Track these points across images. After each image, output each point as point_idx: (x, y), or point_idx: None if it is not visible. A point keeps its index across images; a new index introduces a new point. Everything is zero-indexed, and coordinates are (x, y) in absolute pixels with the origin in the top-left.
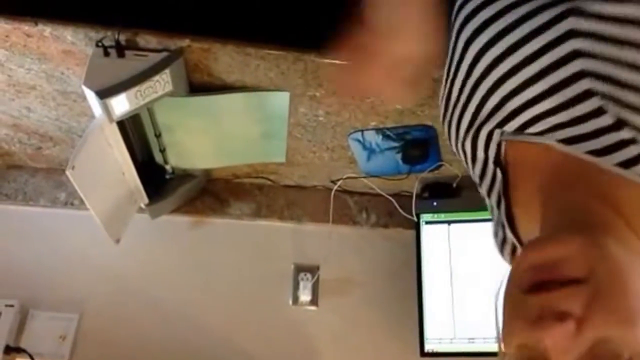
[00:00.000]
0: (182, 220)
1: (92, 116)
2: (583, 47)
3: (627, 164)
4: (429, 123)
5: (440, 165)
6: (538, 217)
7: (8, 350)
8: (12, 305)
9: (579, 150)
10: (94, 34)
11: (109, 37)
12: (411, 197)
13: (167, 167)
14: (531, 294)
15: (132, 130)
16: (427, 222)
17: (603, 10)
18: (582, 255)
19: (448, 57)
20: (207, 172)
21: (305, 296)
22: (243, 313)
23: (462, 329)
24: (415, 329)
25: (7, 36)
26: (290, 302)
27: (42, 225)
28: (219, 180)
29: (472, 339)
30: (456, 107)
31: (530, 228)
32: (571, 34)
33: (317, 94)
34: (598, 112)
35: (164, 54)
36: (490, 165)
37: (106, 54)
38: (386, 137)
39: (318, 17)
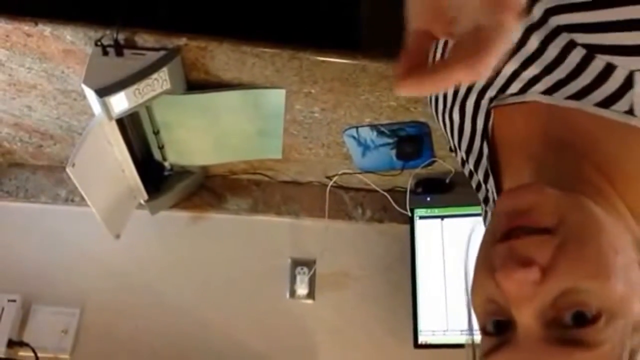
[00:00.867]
0: (181, 215)
1: (92, 114)
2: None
3: (606, 103)
4: (423, 120)
5: (434, 161)
6: None
7: (11, 344)
8: (14, 300)
9: (559, 98)
10: (93, 34)
11: (108, 36)
12: (405, 192)
13: (166, 164)
14: (500, 242)
15: (131, 127)
16: (421, 217)
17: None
18: (555, 204)
19: None
20: (204, 169)
21: (302, 290)
22: (241, 306)
23: (455, 321)
24: (409, 321)
25: (7, 36)
26: (287, 295)
27: (44, 222)
28: (217, 177)
29: (465, 331)
30: None
31: None
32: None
33: (313, 91)
34: (568, 48)
35: (162, 52)
36: (478, 140)
37: (105, 53)
38: (380, 133)
39: (313, 15)
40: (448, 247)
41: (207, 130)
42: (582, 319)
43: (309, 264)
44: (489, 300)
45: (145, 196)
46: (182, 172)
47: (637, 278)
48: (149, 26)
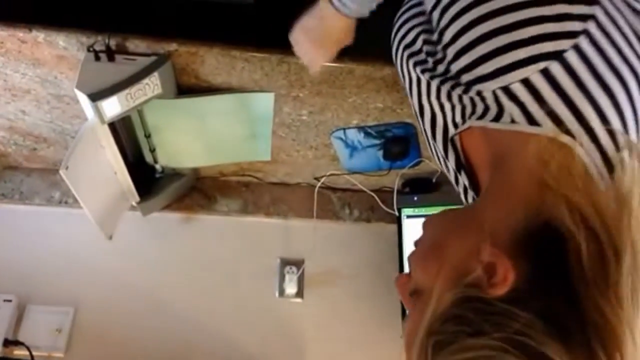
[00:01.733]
0: (172, 216)
1: (85, 118)
2: None
3: (496, 118)
4: (409, 121)
5: (420, 162)
6: None
7: (7, 343)
8: (9, 300)
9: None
10: (86, 39)
11: (100, 42)
12: (392, 192)
13: (157, 166)
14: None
15: (123, 131)
16: (408, 216)
17: None
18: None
19: None
20: (195, 171)
21: (290, 289)
22: (231, 305)
23: None
24: (398, 320)
25: (2, 42)
26: (277, 294)
27: (38, 223)
28: (207, 179)
29: None
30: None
31: None
32: None
33: (301, 94)
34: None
35: (153, 57)
36: (452, 172)
37: (97, 58)
38: (367, 134)
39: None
40: None
41: (198, 133)
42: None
43: (298, 263)
44: None
45: (137, 198)
46: (173, 174)
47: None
48: (140, 32)
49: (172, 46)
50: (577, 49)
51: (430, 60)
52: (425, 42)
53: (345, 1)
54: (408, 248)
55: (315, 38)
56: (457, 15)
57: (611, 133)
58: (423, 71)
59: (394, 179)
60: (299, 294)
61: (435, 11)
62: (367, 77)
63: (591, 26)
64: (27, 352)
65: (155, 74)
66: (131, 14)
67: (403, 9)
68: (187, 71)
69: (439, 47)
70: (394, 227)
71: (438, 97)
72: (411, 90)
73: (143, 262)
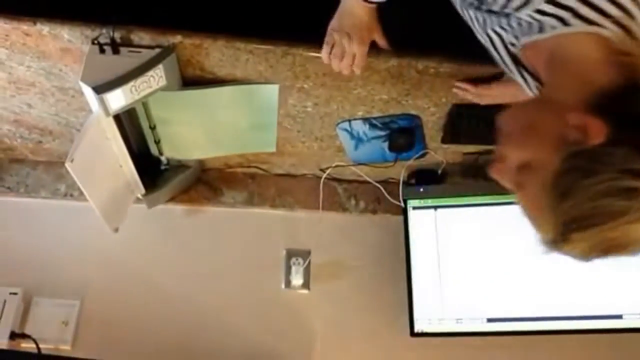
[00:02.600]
0: (178, 209)
1: (90, 111)
2: None
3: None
4: (414, 112)
5: (426, 153)
6: None
7: (13, 336)
8: (16, 293)
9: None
10: (90, 32)
11: (104, 34)
12: (398, 183)
13: (162, 158)
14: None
15: (128, 123)
16: (415, 208)
17: None
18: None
19: None
20: (200, 163)
21: (297, 280)
22: (237, 296)
23: (450, 310)
24: (404, 310)
25: (7, 35)
26: (283, 285)
27: (43, 216)
28: (212, 170)
29: (460, 319)
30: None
31: None
32: None
33: (306, 86)
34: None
35: (157, 50)
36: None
37: (102, 51)
38: (373, 126)
39: (306, 12)
40: (442, 236)
41: (203, 125)
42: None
43: (304, 254)
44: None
45: (143, 190)
46: (179, 166)
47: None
48: (144, 24)
49: (177, 38)
50: None
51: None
52: None
53: None
54: (414, 239)
55: (347, 31)
56: None
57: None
58: (477, 9)
59: (399, 171)
60: (305, 285)
61: None
62: (372, 68)
63: None
64: (33, 345)
65: (160, 66)
66: (135, 7)
67: None
68: (191, 63)
69: None
70: (399, 219)
71: (493, 28)
72: (475, 28)
73: (149, 255)
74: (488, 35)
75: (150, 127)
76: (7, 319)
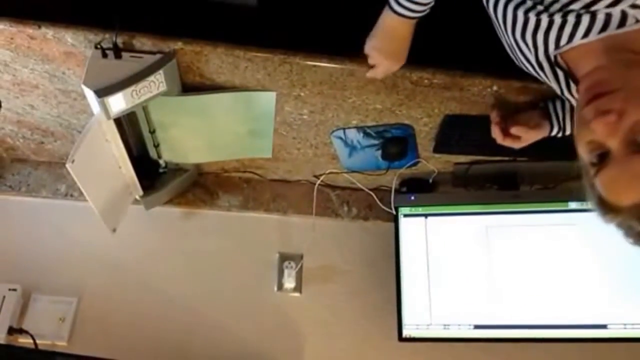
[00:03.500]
0: (174, 211)
1: (91, 113)
2: None
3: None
4: (407, 122)
5: (418, 162)
6: None
7: (11, 331)
8: (15, 290)
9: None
10: (93, 37)
11: (107, 39)
12: (390, 191)
13: (161, 162)
14: (586, 106)
15: (128, 126)
16: (405, 215)
17: None
18: (615, 74)
19: None
20: (198, 167)
21: (289, 283)
22: (231, 298)
23: (437, 316)
24: (393, 315)
25: (11, 38)
26: (275, 288)
27: (44, 215)
28: (209, 174)
29: (447, 325)
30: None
31: None
32: None
33: (302, 94)
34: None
35: (159, 55)
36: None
37: (104, 55)
38: (367, 135)
39: (305, 21)
40: (431, 244)
41: (201, 130)
42: None
43: (297, 258)
44: (589, 143)
45: (141, 192)
46: (176, 170)
47: None
48: (146, 30)
49: (178, 45)
50: None
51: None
52: None
53: (406, 4)
54: (405, 246)
55: (390, 52)
56: None
57: None
58: (527, 11)
59: (391, 179)
60: (297, 288)
61: None
62: (367, 79)
63: None
64: (31, 340)
65: (161, 71)
66: (138, 13)
67: None
68: (191, 69)
69: None
70: (390, 226)
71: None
72: (507, 31)
73: (145, 255)
74: (532, 39)
75: (149, 131)
76: (5, 315)
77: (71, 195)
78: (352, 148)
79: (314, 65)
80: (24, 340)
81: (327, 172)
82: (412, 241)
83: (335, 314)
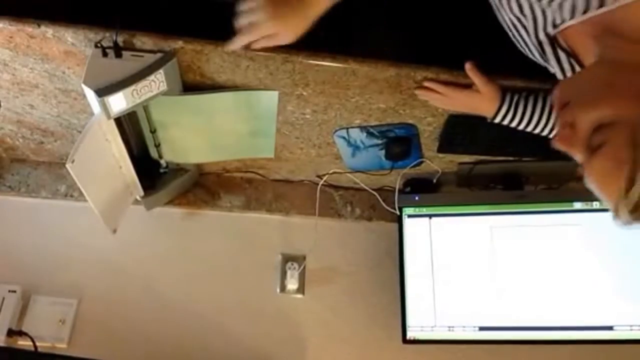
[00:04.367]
0: (176, 211)
1: (91, 113)
2: None
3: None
4: (411, 122)
5: (421, 162)
6: None
7: (11, 333)
8: (14, 291)
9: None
10: (93, 36)
11: (107, 38)
12: (394, 191)
13: (162, 162)
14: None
15: (129, 126)
16: (409, 216)
17: None
18: (568, 86)
19: None
20: (199, 167)
21: (292, 285)
22: (233, 299)
23: (442, 318)
24: (397, 317)
25: (11, 37)
26: (278, 290)
27: (44, 216)
28: (211, 174)
29: (452, 327)
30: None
31: None
32: None
33: (305, 93)
34: None
35: (159, 55)
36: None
37: (104, 54)
38: (370, 134)
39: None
40: (436, 244)
41: (202, 130)
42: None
43: (299, 259)
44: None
45: (142, 192)
46: (177, 170)
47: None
48: (147, 29)
49: (178, 44)
50: None
51: None
52: None
53: None
54: (408, 247)
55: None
56: None
57: None
58: None
59: (395, 179)
60: (300, 289)
61: None
62: (370, 78)
63: None
64: (30, 342)
65: (161, 71)
66: (138, 12)
67: None
68: (192, 69)
69: None
70: (394, 226)
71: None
72: (504, 9)
73: (146, 256)
74: (531, 13)
75: (150, 131)
76: (5, 316)
77: (71, 196)
78: (355, 148)
79: (317, 65)
80: (23, 342)
81: (330, 172)
82: (416, 242)
83: (339, 315)
